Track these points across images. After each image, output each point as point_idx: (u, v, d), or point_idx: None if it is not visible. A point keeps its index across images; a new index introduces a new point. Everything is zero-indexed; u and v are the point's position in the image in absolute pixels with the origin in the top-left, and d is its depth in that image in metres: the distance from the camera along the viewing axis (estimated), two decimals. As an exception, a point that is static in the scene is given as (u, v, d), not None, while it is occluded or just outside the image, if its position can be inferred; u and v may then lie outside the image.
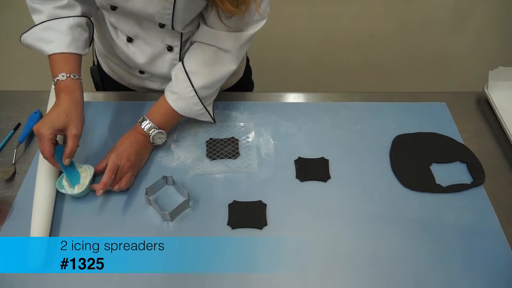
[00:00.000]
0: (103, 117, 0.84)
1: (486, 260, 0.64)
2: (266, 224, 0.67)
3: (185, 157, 0.77)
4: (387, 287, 0.61)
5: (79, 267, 0.61)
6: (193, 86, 0.74)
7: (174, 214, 0.67)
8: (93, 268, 0.61)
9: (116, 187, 0.69)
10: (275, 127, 0.84)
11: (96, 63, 0.99)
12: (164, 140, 0.77)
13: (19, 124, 0.82)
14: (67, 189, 0.67)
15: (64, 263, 0.61)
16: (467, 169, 0.77)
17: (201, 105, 0.76)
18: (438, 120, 0.86)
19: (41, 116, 0.84)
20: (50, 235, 0.64)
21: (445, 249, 0.65)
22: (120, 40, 0.78)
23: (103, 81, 1.00)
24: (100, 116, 0.84)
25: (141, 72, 0.86)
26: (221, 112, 0.86)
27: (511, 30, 1.59)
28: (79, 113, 0.66)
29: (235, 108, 0.87)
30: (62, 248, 0.63)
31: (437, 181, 0.74)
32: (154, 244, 0.64)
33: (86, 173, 0.70)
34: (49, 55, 0.68)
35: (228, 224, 0.67)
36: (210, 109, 0.79)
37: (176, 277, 0.61)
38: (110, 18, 0.75)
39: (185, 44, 0.79)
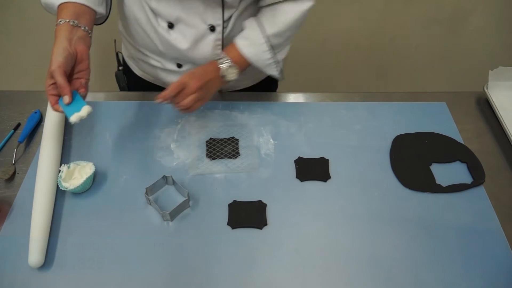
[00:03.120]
0: (111, 117, 0.84)
1: (486, 260, 0.64)
2: (266, 224, 0.67)
3: (185, 157, 0.77)
4: (387, 286, 0.61)
5: (79, 267, 0.61)
6: (264, 33, 0.76)
7: (174, 214, 0.67)
8: (93, 268, 0.61)
9: (178, 106, 0.72)
10: (275, 127, 0.84)
11: (121, 68, 1.00)
12: (234, 76, 0.78)
13: (19, 124, 0.82)
14: (67, 186, 0.68)
15: (64, 263, 0.61)
16: (467, 169, 0.77)
17: (270, 53, 0.78)
18: (438, 120, 0.86)
19: (41, 116, 0.84)
20: (50, 235, 0.64)
21: (445, 249, 0.65)
22: (161, 28, 0.79)
23: (129, 87, 1.02)
24: (108, 117, 0.84)
25: (179, 65, 0.87)
26: (221, 112, 0.86)
27: (511, 30, 1.60)
28: (55, 52, 0.63)
29: (235, 108, 0.87)
30: (62, 248, 0.63)
31: (437, 181, 0.74)
32: (154, 244, 0.64)
33: (85, 170, 0.70)
34: (58, 6, 0.68)
35: (228, 224, 0.67)
36: (279, 64, 0.81)
37: (176, 277, 0.61)
38: (151, 3, 0.76)
39: (228, 22, 0.79)
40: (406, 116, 0.87)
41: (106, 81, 0.69)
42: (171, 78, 0.91)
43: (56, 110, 0.65)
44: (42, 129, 0.77)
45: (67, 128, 0.81)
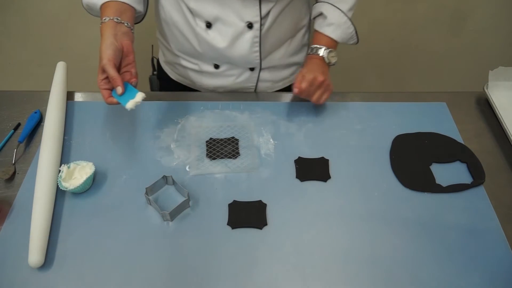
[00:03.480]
0: (111, 117, 0.84)
1: (486, 260, 0.64)
2: (266, 224, 0.67)
3: (185, 157, 0.77)
4: (387, 286, 0.61)
5: (79, 267, 0.61)
6: (343, 11, 0.84)
7: (174, 214, 0.67)
8: (93, 268, 0.61)
9: (311, 100, 0.81)
10: (275, 127, 0.84)
11: (155, 73, 1.01)
12: (336, 58, 0.86)
13: (19, 124, 0.82)
14: (67, 186, 0.68)
15: (64, 263, 0.61)
16: (467, 169, 0.77)
17: (352, 26, 0.86)
18: (438, 120, 0.86)
19: (41, 116, 0.84)
20: (50, 235, 0.64)
21: (445, 249, 0.65)
22: (199, 28, 0.81)
23: (162, 90, 1.05)
24: (108, 117, 0.84)
25: (216, 66, 0.88)
26: (221, 112, 0.86)
27: (511, 30, 1.60)
28: (103, 48, 0.66)
29: (235, 108, 0.87)
30: (62, 248, 0.63)
31: (437, 181, 0.74)
32: (154, 244, 0.64)
33: (85, 170, 0.70)
34: (101, 5, 0.72)
35: (228, 224, 0.67)
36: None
37: (176, 277, 0.61)
38: (189, 3, 0.78)
39: (266, 19, 0.81)
40: (406, 116, 0.87)
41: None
42: (208, 80, 0.93)
43: (110, 102, 0.68)
44: (42, 129, 0.77)
45: (67, 128, 0.81)
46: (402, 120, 0.85)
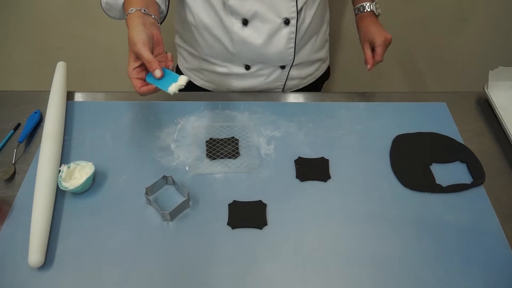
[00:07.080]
0: (111, 117, 0.84)
1: (486, 260, 0.64)
2: (266, 224, 0.67)
3: (185, 157, 0.77)
4: (387, 286, 0.61)
5: (79, 267, 0.61)
6: None
7: (174, 214, 0.67)
8: (93, 268, 0.61)
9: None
10: (275, 127, 0.84)
11: None
12: (380, 9, 0.91)
13: (19, 124, 0.82)
14: (67, 186, 0.68)
15: (64, 263, 0.61)
16: (467, 169, 0.77)
17: None
18: (438, 120, 0.86)
19: (41, 116, 0.84)
20: (50, 235, 0.64)
21: (445, 249, 0.65)
22: (235, 27, 0.80)
23: None
24: (108, 117, 0.84)
25: (247, 67, 0.88)
26: (221, 112, 0.86)
27: (511, 30, 1.59)
28: (134, 35, 0.62)
29: (235, 108, 0.87)
30: (62, 248, 0.63)
31: (437, 181, 0.74)
32: (154, 244, 0.64)
33: (85, 170, 0.70)
34: (124, 1, 0.69)
35: (228, 224, 0.67)
36: None
37: (176, 277, 0.61)
38: (229, 0, 0.77)
39: (300, 14, 0.81)
40: (406, 116, 0.87)
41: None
42: (237, 83, 0.92)
43: (144, 92, 0.63)
44: (42, 129, 0.77)
45: (67, 128, 0.81)
46: (402, 120, 0.85)
